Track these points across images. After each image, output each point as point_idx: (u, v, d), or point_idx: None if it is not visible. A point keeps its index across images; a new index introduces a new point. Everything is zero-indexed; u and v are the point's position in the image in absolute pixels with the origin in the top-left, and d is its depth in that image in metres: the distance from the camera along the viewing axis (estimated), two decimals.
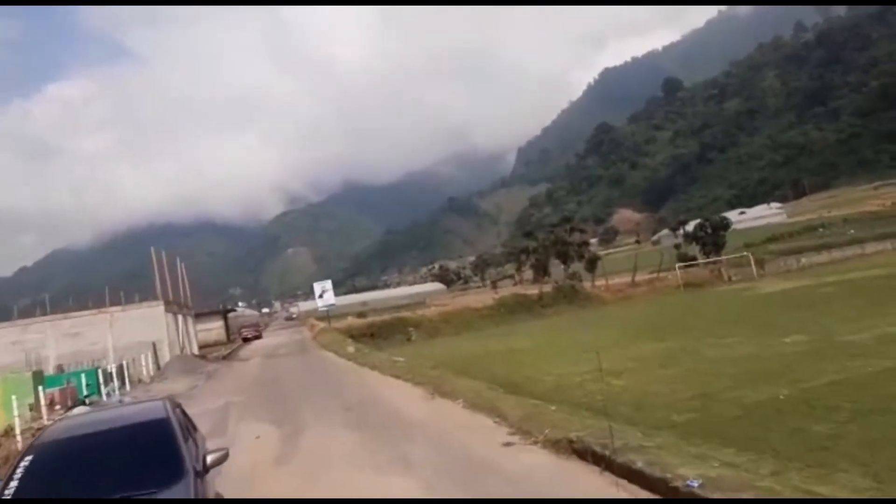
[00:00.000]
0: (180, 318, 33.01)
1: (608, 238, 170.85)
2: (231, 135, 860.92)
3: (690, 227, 58.53)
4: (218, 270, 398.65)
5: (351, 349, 22.73)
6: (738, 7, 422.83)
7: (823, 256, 49.73)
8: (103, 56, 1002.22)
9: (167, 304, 28.92)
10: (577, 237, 48.77)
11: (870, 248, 52.77)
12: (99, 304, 28.68)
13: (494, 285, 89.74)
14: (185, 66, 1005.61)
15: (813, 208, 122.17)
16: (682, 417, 9.61)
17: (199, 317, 51.02)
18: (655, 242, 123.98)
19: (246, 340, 49.67)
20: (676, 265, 46.84)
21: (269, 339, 48.92)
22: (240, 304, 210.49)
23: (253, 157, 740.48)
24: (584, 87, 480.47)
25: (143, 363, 24.23)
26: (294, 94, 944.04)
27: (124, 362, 23.26)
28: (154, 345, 27.08)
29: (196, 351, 36.24)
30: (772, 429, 8.28)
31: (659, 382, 12.88)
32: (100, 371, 22.09)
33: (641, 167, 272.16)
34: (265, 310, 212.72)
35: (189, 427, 5.79)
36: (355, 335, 36.72)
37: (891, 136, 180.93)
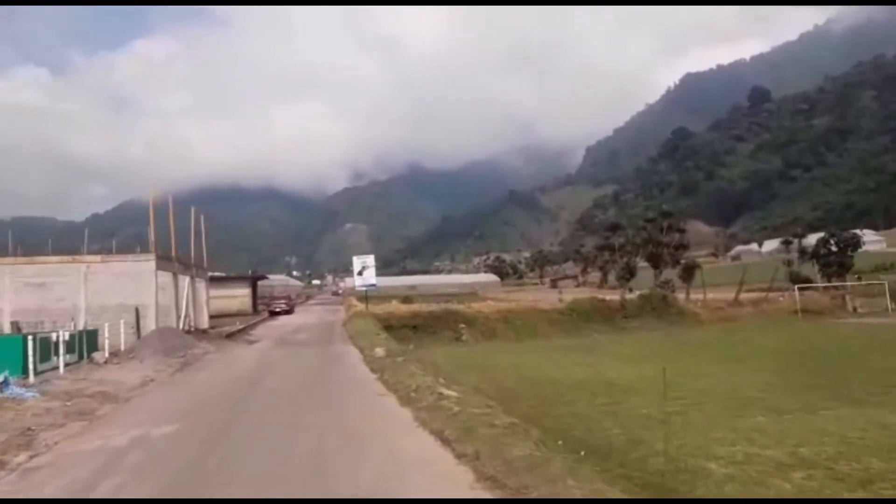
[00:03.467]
0: (186, 279, 27.14)
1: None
2: (303, 105, 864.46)
3: (810, 240, 49.32)
4: (278, 238, 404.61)
5: (381, 351, 16.09)
6: (834, 23, 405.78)
7: None
8: (188, 16, 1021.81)
9: (161, 259, 22.95)
10: (674, 238, 40.85)
11: None
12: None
13: (554, 284, 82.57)
14: (265, 33, 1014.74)
15: None
16: None
17: (222, 281, 45.70)
18: (735, 258, 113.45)
19: (273, 314, 43.97)
20: (795, 286, 38.54)
21: (299, 317, 42.95)
22: (294, 272, 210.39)
23: (322, 130, 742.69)
24: (662, 91, 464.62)
25: (108, 334, 18.21)
26: (367, 72, 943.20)
27: (81, 331, 17.43)
28: (137, 310, 21.28)
29: (205, 321, 30.36)
30: None
31: None
32: (56, 336, 16.22)
33: (718, 178, 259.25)
34: (316, 281, 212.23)
35: None
36: (395, 325, 30.32)
37: None
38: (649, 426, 11.92)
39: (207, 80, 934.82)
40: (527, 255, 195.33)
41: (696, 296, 40.30)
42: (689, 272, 42.17)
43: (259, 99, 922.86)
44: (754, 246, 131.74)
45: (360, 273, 33.87)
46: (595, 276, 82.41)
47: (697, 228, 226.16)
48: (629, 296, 36.38)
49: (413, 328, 30.89)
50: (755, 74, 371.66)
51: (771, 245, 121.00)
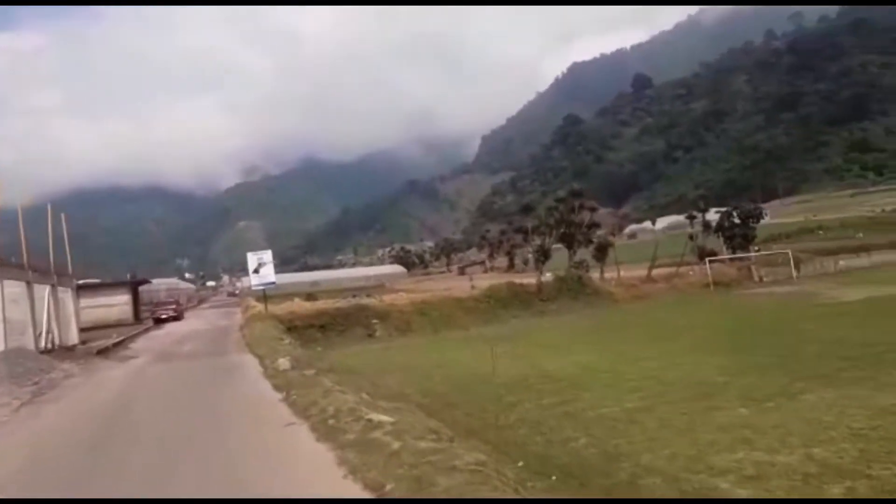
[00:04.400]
0: (45, 289, 22.83)
1: None
2: (189, 99, 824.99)
3: (712, 215, 50.18)
4: (166, 239, 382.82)
5: (285, 362, 13.16)
6: (705, 12, 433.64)
7: (863, 260, 42.37)
8: (57, 9, 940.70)
9: (7, 266, 18.78)
10: (585, 217, 39.93)
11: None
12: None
13: (462, 271, 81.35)
14: (142, 26, 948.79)
15: (793, 212, 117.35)
16: None
17: (96, 289, 40.49)
18: (631, 236, 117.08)
19: (158, 322, 39.31)
20: (707, 259, 38.72)
21: (189, 323, 38.39)
22: (186, 274, 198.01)
23: (210, 125, 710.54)
24: (551, 80, 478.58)
25: None
26: (258, 64, 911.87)
27: None
28: None
29: (74, 335, 25.97)
30: None
31: None
32: None
33: (606, 161, 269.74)
34: (211, 283, 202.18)
35: None
36: (299, 325, 27.41)
37: (861, 146, 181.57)
38: (618, 430, 10.05)
39: (81, 76, 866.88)
40: (430, 244, 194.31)
41: (608, 274, 39.86)
42: (602, 251, 41.67)
43: (139, 94, 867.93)
44: (648, 224, 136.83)
45: (255, 271, 30.24)
46: (502, 261, 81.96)
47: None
48: (544, 278, 35.09)
49: (320, 328, 28.08)
50: (636, 62, 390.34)
51: (663, 223, 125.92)
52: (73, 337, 25.94)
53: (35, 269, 21.46)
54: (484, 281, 50.16)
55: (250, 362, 15.94)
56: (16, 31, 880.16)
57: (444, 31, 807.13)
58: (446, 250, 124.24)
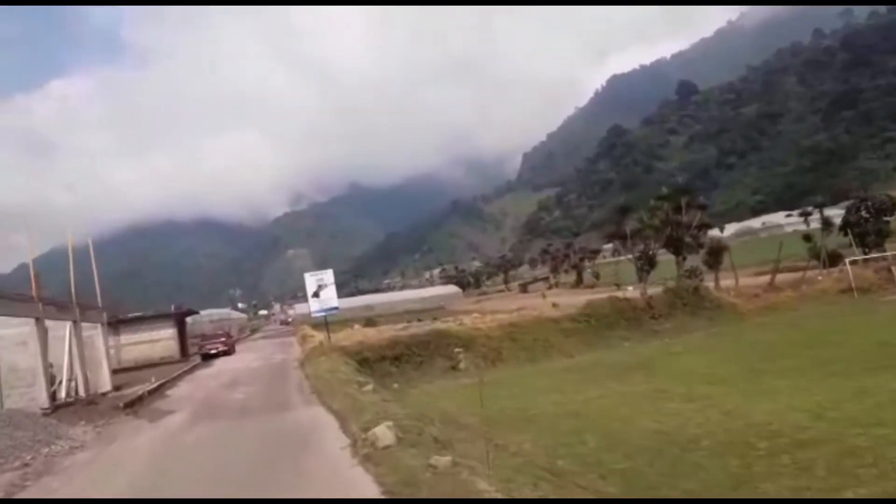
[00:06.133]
0: (66, 326, 18.67)
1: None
2: (233, 133, 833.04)
3: (833, 211, 43.56)
4: (217, 271, 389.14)
5: (385, 435, 8.02)
6: (746, 18, 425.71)
7: None
8: (104, 54, 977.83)
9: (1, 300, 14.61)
10: (694, 216, 34.22)
11: None
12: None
13: (524, 289, 75.96)
14: (187, 64, 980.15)
15: None
16: None
17: (137, 323, 36.60)
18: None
19: (207, 358, 35.10)
20: (847, 261, 32.47)
21: (241, 357, 33.80)
22: (238, 305, 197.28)
23: (256, 156, 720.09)
24: (590, 94, 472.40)
25: None
26: (298, 94, 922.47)
27: None
28: None
29: (106, 380, 21.69)
30: None
31: None
32: None
33: (656, 171, 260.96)
34: (263, 312, 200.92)
35: None
36: (370, 358, 22.59)
37: None
38: None
39: (130, 116, 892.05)
40: (478, 263, 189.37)
41: (724, 282, 34.01)
42: (716, 256, 35.68)
43: (186, 131, 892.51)
44: (717, 231, 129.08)
45: (315, 294, 25.74)
46: (568, 276, 76.36)
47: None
48: (652, 291, 29.61)
49: (394, 360, 23.34)
50: (677, 71, 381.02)
51: (731, 229, 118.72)
52: (105, 382, 21.71)
53: (49, 303, 17.23)
54: (560, 298, 44.72)
55: (326, 424, 11.14)
56: (66, 79, 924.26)
57: (478, 50, 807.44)
58: (504, 268, 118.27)
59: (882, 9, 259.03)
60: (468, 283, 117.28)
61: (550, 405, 14.96)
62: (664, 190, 38.31)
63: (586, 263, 67.66)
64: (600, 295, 43.37)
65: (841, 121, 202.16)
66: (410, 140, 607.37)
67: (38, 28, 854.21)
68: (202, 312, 56.93)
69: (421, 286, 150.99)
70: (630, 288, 47.13)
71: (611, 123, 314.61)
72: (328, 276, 26.85)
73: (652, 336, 25.85)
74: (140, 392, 19.12)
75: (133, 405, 17.10)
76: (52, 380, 18.62)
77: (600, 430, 11.65)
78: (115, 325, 35.13)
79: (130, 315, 38.71)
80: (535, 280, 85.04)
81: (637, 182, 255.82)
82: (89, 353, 21.05)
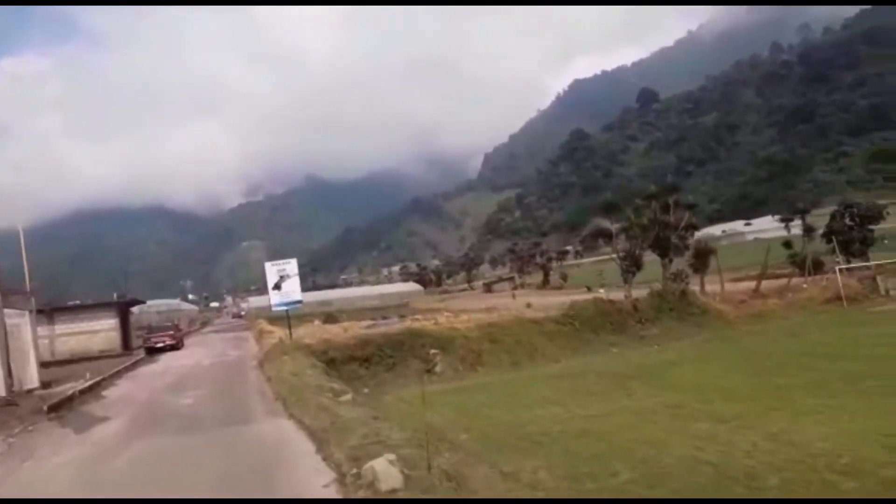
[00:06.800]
0: None
1: (592, 246, 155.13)
2: (190, 121, 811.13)
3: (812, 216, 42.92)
4: (168, 260, 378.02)
5: (388, 472, 6.00)
6: (706, 28, 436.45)
7: None
8: (60, 35, 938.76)
9: None
10: (682, 217, 32.72)
11: None
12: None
13: (489, 288, 74.31)
14: (145, 50, 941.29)
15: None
16: None
17: (75, 311, 33.32)
18: None
19: (152, 352, 32.13)
20: (837, 268, 31.48)
21: (191, 353, 30.74)
22: (189, 296, 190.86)
23: (212, 145, 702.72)
24: (552, 97, 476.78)
25: None
26: (259, 85, 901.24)
27: None
28: None
29: (33, 375, 18.79)
30: None
31: None
32: None
33: (616, 176, 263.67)
34: (214, 304, 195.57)
35: None
36: (337, 359, 20.37)
37: (884, 155, 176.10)
38: None
39: (83, 99, 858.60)
40: (437, 262, 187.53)
41: (709, 287, 32.77)
42: (702, 259, 34.34)
43: (142, 116, 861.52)
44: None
45: (276, 287, 23.26)
46: (533, 277, 75.04)
47: (603, 226, 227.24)
48: (635, 293, 28.12)
49: (363, 361, 21.09)
50: (638, 78, 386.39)
51: (698, 235, 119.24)
52: (31, 378, 18.85)
53: None
54: (530, 298, 43.10)
55: (298, 444, 8.91)
56: (20, 56, 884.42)
57: (444, 49, 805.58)
58: (467, 266, 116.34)
59: (837, 25, 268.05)
60: (430, 280, 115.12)
61: (552, 421, 13.03)
62: (652, 188, 36.86)
63: (554, 264, 66.28)
64: (573, 296, 41.94)
65: (797, 134, 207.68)
66: (373, 135, 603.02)
67: None
68: (149, 302, 53.33)
69: (379, 283, 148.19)
70: (601, 290, 45.80)
71: (572, 127, 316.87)
72: (291, 266, 24.33)
73: (639, 341, 24.27)
74: (70, 391, 16.41)
75: (60, 408, 14.31)
76: None
77: (628, 456, 9.76)
78: (49, 313, 31.81)
79: (68, 304, 35.25)
80: (500, 280, 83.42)
81: (597, 186, 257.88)
82: (13, 343, 18.22)
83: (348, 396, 12.03)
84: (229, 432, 10.67)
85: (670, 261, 32.78)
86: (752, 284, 32.77)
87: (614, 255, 34.69)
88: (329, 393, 12.32)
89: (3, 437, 11.23)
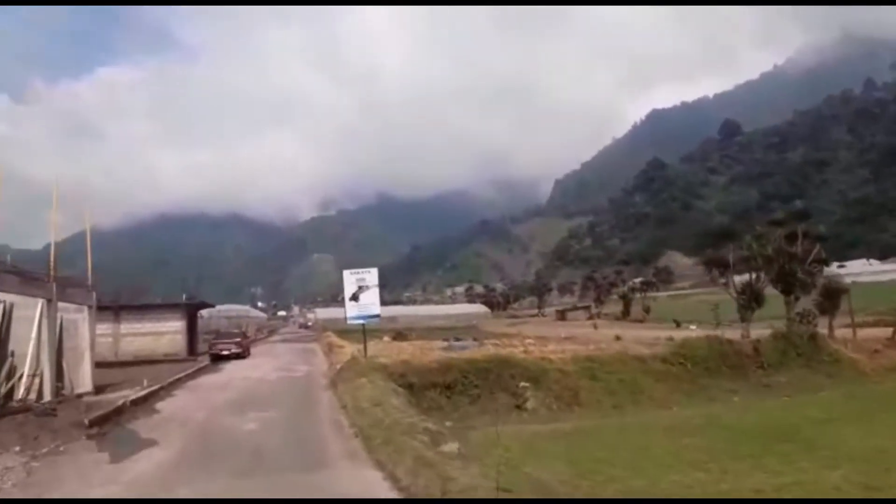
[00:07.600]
0: (38, 305, 14.23)
1: (665, 279, 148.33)
2: (271, 135, 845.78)
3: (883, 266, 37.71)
4: (242, 267, 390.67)
5: None
6: (792, 63, 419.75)
7: None
8: (155, 47, 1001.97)
9: None
10: (809, 250, 28.70)
11: None
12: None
13: (562, 316, 70.67)
14: (233, 63, 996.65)
15: None
16: None
17: (141, 311, 32.13)
18: None
19: (217, 359, 30.62)
20: None
21: (256, 364, 28.83)
22: (259, 303, 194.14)
23: (291, 158, 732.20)
24: (629, 126, 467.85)
25: None
26: (337, 102, 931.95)
27: None
28: None
29: (87, 378, 17.10)
30: None
31: None
32: None
33: (694, 209, 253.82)
34: (282, 312, 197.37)
35: None
36: (416, 384, 17.81)
37: None
38: None
39: (173, 108, 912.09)
40: (501, 285, 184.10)
41: (839, 331, 28.50)
42: (832, 298, 30.12)
43: (226, 127, 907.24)
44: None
45: (354, 297, 21.03)
46: (612, 306, 70.97)
47: (676, 259, 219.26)
48: (756, 334, 24.44)
49: (446, 388, 18.41)
50: (719, 110, 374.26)
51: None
52: (84, 381, 17.12)
53: (6, 271, 12.76)
54: (613, 330, 39.52)
55: None
56: (117, 66, 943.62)
57: (519, 74, 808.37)
58: (538, 291, 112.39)
59: None
60: (497, 303, 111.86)
61: (706, 493, 9.93)
62: (780, 214, 32.93)
63: (638, 295, 62.09)
64: (660, 331, 38.45)
65: (891, 175, 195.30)
66: (445, 156, 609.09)
67: (89, 18, 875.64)
68: (219, 307, 52.53)
69: (443, 302, 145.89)
70: (693, 327, 41.85)
71: (647, 157, 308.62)
72: (372, 276, 22.07)
73: (764, 391, 20.72)
74: (121, 401, 14.40)
75: (103, 422, 12.08)
76: (10, 372, 14.16)
77: None
78: (117, 311, 30.87)
79: (140, 302, 34.21)
80: (575, 308, 79.42)
81: (674, 218, 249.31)
82: (68, 342, 16.58)
83: (454, 446, 9.29)
84: (298, 482, 8.15)
85: (796, 298, 28.58)
86: (874, 331, 28.33)
87: (730, 290, 30.76)
88: (424, 435, 9.68)
89: (27, 460, 9.12)
